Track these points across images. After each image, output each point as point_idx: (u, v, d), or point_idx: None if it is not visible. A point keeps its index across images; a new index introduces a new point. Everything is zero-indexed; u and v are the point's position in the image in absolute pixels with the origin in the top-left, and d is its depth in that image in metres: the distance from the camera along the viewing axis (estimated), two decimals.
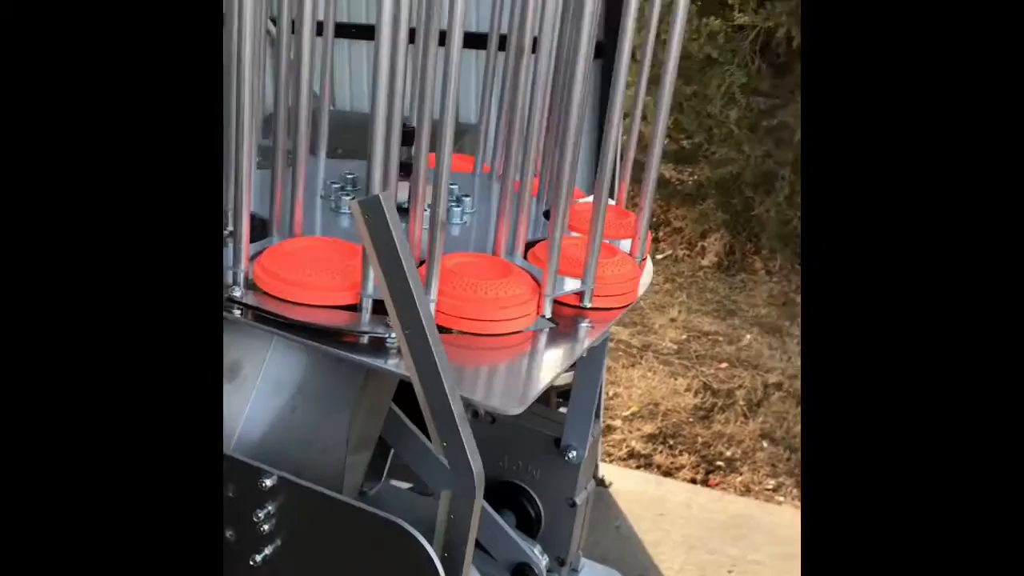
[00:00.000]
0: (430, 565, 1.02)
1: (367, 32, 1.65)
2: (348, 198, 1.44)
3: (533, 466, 1.42)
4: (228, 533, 1.15)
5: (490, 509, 1.33)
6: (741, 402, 4.81)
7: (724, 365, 5.12)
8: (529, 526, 1.42)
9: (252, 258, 1.20)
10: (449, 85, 1.11)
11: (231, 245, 1.19)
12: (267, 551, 1.12)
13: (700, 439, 4.53)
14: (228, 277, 1.18)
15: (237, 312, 1.16)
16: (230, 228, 1.20)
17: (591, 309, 1.29)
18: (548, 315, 1.25)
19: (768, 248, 5.96)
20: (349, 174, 1.50)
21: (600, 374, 1.42)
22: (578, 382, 1.41)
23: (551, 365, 1.18)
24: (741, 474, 4.37)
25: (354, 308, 1.17)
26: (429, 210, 1.15)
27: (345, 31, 2.99)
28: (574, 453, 1.39)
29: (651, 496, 3.98)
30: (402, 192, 1.43)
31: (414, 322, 1.02)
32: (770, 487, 4.28)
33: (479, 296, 1.19)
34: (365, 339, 1.15)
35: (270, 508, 1.11)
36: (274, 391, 1.27)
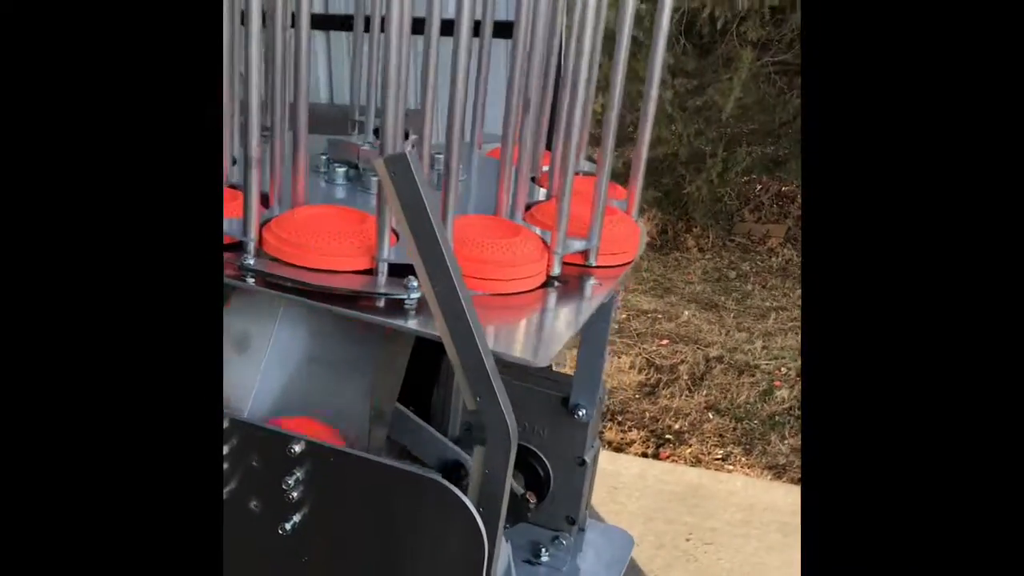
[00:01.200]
0: (470, 520, 1.03)
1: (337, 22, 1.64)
2: (341, 168, 1.44)
3: (541, 427, 1.44)
4: (253, 504, 1.14)
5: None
6: (685, 377, 4.91)
7: (665, 342, 5.21)
8: (539, 486, 1.43)
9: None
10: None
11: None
12: (296, 519, 1.12)
13: (648, 414, 4.61)
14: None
15: (251, 280, 1.15)
16: None
17: (597, 267, 1.31)
18: (557, 273, 1.26)
19: (700, 226, 6.08)
20: (323, 155, 1.49)
21: (607, 332, 1.44)
22: (586, 341, 1.43)
23: (566, 321, 1.19)
24: (690, 446, 4.46)
25: (368, 272, 1.17)
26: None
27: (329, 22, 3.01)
28: (583, 412, 1.41)
29: (605, 471, 4.03)
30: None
31: (444, 279, 1.02)
32: (719, 456, 4.38)
33: (492, 257, 1.20)
34: (382, 302, 1.15)
35: (298, 475, 1.10)
36: (284, 361, 1.25)
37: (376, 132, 1.41)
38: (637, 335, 5.24)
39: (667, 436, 4.40)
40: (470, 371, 1.04)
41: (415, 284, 1.14)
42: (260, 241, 1.18)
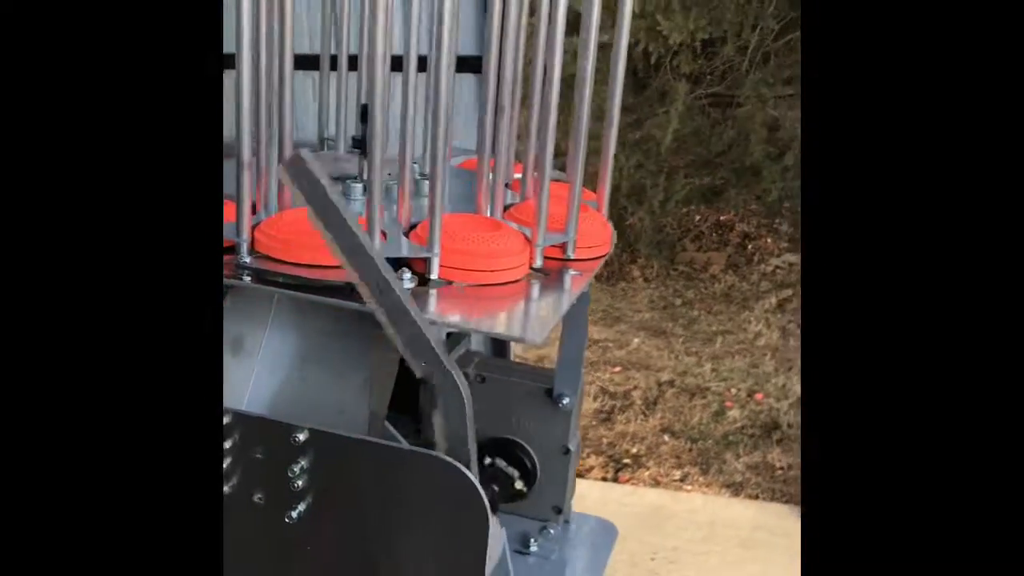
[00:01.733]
0: (475, 496, 1.07)
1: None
2: None
3: (526, 419, 1.48)
4: (257, 496, 1.16)
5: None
6: (638, 402, 4.98)
7: (618, 369, 5.29)
8: (527, 477, 1.47)
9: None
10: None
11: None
12: (300, 507, 1.14)
13: (605, 440, 4.67)
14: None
15: (247, 278, 1.18)
16: None
17: (574, 260, 1.37)
18: (540, 265, 1.32)
19: (644, 256, 6.21)
20: None
21: (586, 323, 1.50)
22: (566, 330, 1.49)
23: (552, 306, 1.25)
24: (648, 468, 4.51)
25: None
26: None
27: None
28: (567, 400, 1.46)
29: None
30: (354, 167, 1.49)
31: (365, 261, 1.07)
32: (677, 478, 4.44)
33: (478, 249, 1.25)
34: None
35: (303, 463, 1.12)
36: (277, 363, 1.28)
37: (355, 143, 1.46)
38: (590, 364, 5.31)
39: (625, 460, 4.46)
40: (411, 344, 1.09)
41: (408, 275, 1.19)
42: (253, 242, 1.22)
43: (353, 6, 1.58)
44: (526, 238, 1.32)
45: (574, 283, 1.33)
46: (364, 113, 1.49)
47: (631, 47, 5.88)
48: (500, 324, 1.17)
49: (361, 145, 1.45)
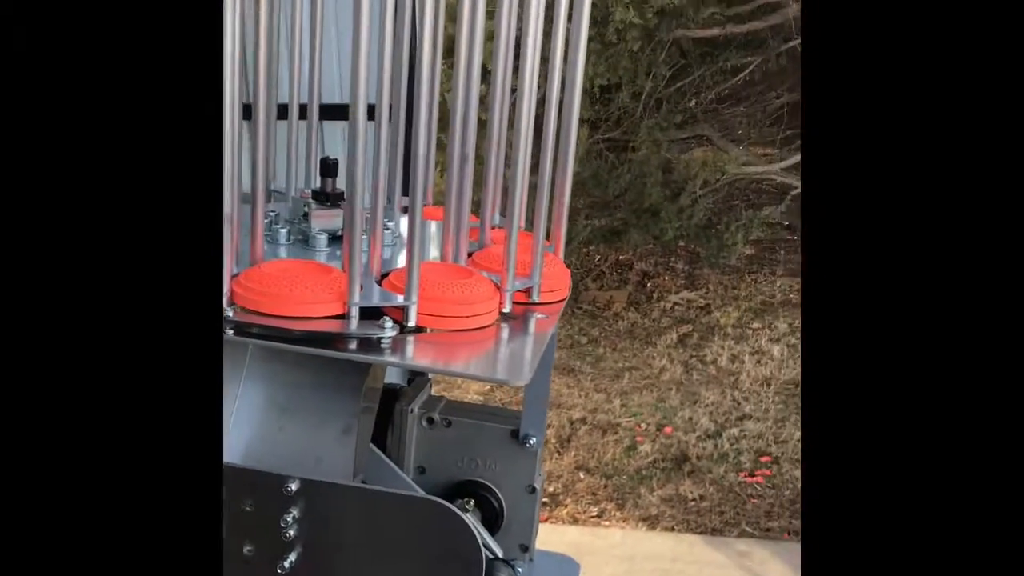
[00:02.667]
0: (470, 539, 1.10)
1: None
2: (283, 229, 1.50)
3: (492, 460, 1.51)
4: (247, 549, 1.16)
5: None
6: (553, 440, 5.04)
7: None
8: (495, 518, 1.50)
9: None
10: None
11: None
12: (292, 557, 1.14)
13: None
14: None
15: (230, 331, 1.19)
16: None
17: (539, 304, 1.42)
18: (508, 310, 1.37)
19: None
20: (272, 211, 1.55)
21: (550, 363, 1.55)
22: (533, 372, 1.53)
23: (527, 348, 1.30)
24: (566, 506, 4.57)
25: (340, 317, 1.24)
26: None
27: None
28: (533, 440, 1.50)
29: None
30: (329, 221, 1.51)
31: None
32: (595, 514, 4.51)
33: (452, 296, 1.29)
34: (354, 344, 1.22)
35: (295, 512, 1.13)
36: (252, 414, 1.29)
37: (317, 195, 1.49)
38: (503, 404, 5.34)
39: (543, 499, 4.50)
40: None
41: (389, 323, 1.22)
42: (232, 294, 1.23)
43: (283, 55, 1.60)
44: (495, 284, 1.37)
45: (542, 326, 1.39)
46: (326, 166, 1.52)
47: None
48: (484, 368, 1.21)
49: (326, 197, 1.47)
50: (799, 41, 6.37)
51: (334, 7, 2.76)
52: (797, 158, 7.03)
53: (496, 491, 1.51)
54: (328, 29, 1.45)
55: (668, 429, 5.15)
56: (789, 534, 4.26)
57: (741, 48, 6.49)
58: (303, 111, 1.70)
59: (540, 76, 1.42)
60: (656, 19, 5.77)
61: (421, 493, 1.09)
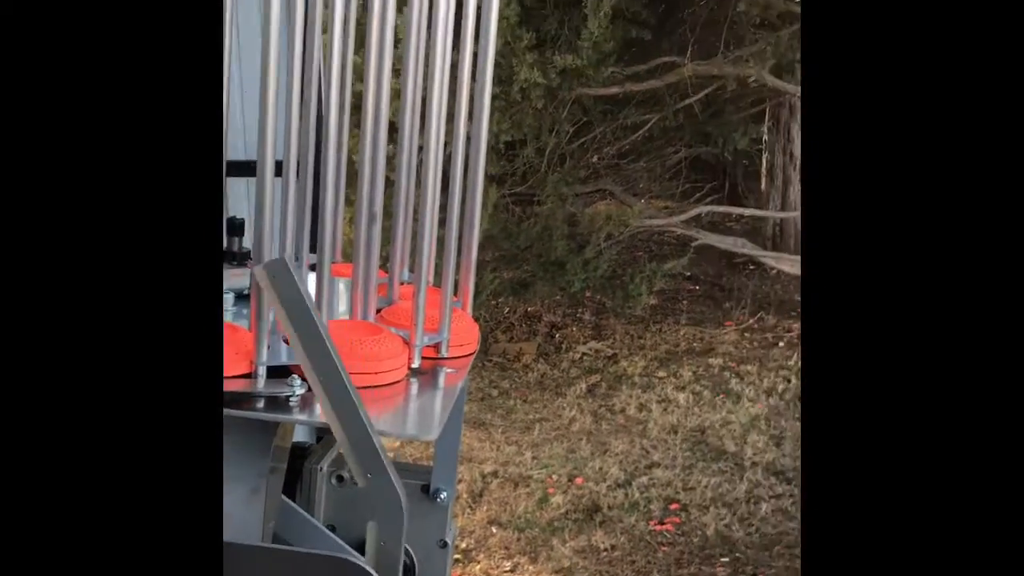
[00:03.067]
0: None
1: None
2: (228, 296, 1.49)
3: None
4: None
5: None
6: (464, 495, 5.01)
7: None
8: (405, 574, 1.48)
9: None
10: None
11: None
12: None
13: None
14: None
15: None
16: None
17: (448, 359, 1.44)
18: (417, 365, 1.38)
19: None
20: None
21: (460, 418, 1.55)
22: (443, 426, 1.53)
23: (437, 402, 1.31)
24: (479, 562, 4.53)
25: (247, 376, 1.23)
26: None
27: None
28: (444, 494, 1.50)
29: None
30: (236, 280, 1.50)
31: (330, 370, 1.11)
32: (508, 568, 4.48)
33: (361, 353, 1.29)
34: (262, 403, 1.21)
35: None
36: None
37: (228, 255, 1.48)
38: (413, 460, 5.30)
39: (455, 556, 4.46)
40: (359, 450, 1.12)
41: (298, 382, 1.22)
42: None
43: None
44: (404, 340, 1.38)
45: (451, 380, 1.40)
46: (232, 225, 1.52)
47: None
48: (393, 424, 1.22)
49: (232, 256, 1.47)
50: (694, 99, 6.62)
51: (238, 64, 2.76)
52: (697, 210, 7.26)
53: (408, 549, 1.50)
54: (233, 79, 1.44)
55: (579, 480, 5.17)
56: None
57: (640, 105, 6.70)
58: None
59: (446, 133, 1.45)
60: (559, 78, 5.92)
61: (334, 553, 1.08)
